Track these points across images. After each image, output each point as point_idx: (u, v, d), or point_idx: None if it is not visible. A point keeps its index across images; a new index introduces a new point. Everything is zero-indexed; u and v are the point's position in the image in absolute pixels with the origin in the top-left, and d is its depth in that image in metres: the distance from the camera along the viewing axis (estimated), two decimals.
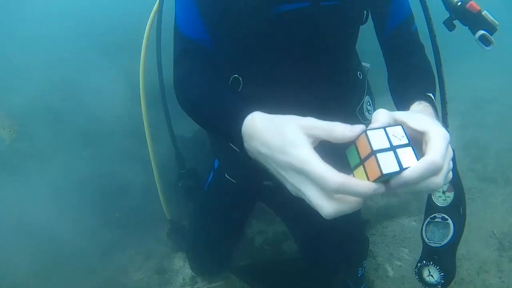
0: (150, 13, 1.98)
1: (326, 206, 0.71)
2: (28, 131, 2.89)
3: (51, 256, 2.26)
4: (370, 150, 0.70)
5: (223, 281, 2.12)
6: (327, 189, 0.69)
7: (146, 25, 1.99)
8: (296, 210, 2.07)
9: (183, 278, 2.21)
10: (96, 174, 2.63)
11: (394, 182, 0.69)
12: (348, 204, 0.71)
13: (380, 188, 0.69)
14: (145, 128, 2.02)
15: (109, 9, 3.19)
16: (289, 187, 0.79)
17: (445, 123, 1.37)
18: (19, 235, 2.31)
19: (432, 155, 0.71)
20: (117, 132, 2.74)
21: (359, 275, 1.83)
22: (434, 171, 0.70)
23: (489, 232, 2.29)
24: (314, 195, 0.72)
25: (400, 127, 0.73)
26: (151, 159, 2.06)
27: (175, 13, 1.33)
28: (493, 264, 2.08)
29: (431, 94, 1.09)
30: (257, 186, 1.85)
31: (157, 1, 1.91)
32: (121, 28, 2.90)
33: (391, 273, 2.08)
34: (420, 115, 0.83)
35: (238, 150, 0.93)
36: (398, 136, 0.72)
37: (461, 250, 2.16)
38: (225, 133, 0.95)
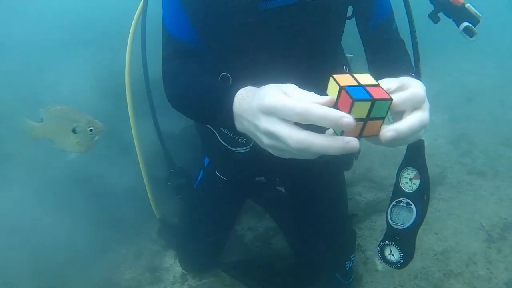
0: (135, 10, 1.99)
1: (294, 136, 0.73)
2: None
3: (43, 256, 2.25)
4: (338, 87, 0.72)
5: (214, 278, 2.13)
6: (292, 116, 0.72)
7: (131, 23, 1.99)
8: (285, 206, 2.10)
9: (173, 275, 2.21)
10: (85, 174, 2.63)
11: (393, 104, 0.73)
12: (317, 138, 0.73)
13: (348, 117, 0.68)
14: (132, 126, 2.02)
15: (92, 5, 3.18)
16: (265, 141, 0.80)
17: None
18: (8, 236, 2.31)
19: (414, 87, 0.79)
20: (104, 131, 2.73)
21: (347, 268, 1.84)
22: (420, 101, 0.78)
23: (478, 224, 2.31)
24: (283, 129, 0.74)
25: (368, 74, 0.76)
26: (139, 159, 2.06)
27: (163, 14, 1.34)
28: (482, 255, 2.10)
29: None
30: (248, 183, 1.86)
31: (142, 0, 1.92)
32: (104, 25, 2.89)
33: (380, 266, 2.09)
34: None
35: (226, 124, 0.94)
36: (368, 80, 0.75)
37: (449, 242, 2.19)
38: (217, 106, 0.96)
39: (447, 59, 4.07)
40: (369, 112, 0.70)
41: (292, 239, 2.04)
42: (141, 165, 2.07)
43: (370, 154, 2.77)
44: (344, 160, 1.78)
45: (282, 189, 2.09)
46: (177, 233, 2.19)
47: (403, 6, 1.52)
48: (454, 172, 2.80)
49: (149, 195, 2.17)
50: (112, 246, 2.43)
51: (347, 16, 1.45)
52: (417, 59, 1.45)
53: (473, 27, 1.44)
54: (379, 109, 0.71)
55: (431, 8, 1.57)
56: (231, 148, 1.56)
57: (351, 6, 1.44)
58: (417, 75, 1.41)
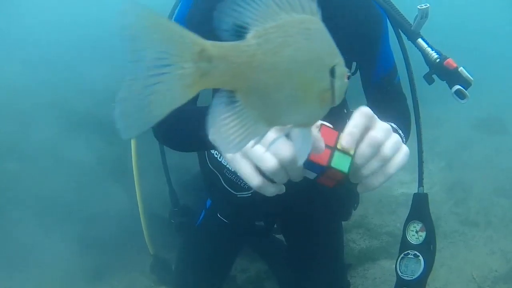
0: None
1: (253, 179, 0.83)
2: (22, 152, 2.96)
3: (33, 283, 2.25)
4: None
5: None
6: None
7: None
8: (281, 253, 2.11)
9: None
10: (81, 202, 2.65)
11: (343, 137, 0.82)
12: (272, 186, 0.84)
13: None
14: (133, 159, 2.07)
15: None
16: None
17: (421, 170, 1.43)
18: None
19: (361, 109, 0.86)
20: (107, 163, 2.77)
21: None
22: (369, 119, 0.85)
23: (469, 276, 2.32)
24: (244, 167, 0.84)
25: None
26: (137, 196, 2.10)
27: None
28: None
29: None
30: (248, 226, 1.88)
31: None
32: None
33: None
34: None
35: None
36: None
37: None
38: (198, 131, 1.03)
39: (445, 105, 4.13)
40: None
41: (285, 285, 2.05)
42: (138, 201, 2.10)
43: (365, 201, 2.79)
44: (344, 209, 1.82)
45: (280, 236, 2.11)
46: (172, 270, 2.20)
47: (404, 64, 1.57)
48: (448, 222, 2.82)
49: (144, 230, 2.18)
50: (104, 277, 2.43)
51: (351, 72, 1.50)
52: (418, 117, 1.48)
53: (464, 90, 1.49)
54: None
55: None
56: (234, 192, 1.60)
57: (355, 62, 1.49)
58: (417, 132, 1.45)
